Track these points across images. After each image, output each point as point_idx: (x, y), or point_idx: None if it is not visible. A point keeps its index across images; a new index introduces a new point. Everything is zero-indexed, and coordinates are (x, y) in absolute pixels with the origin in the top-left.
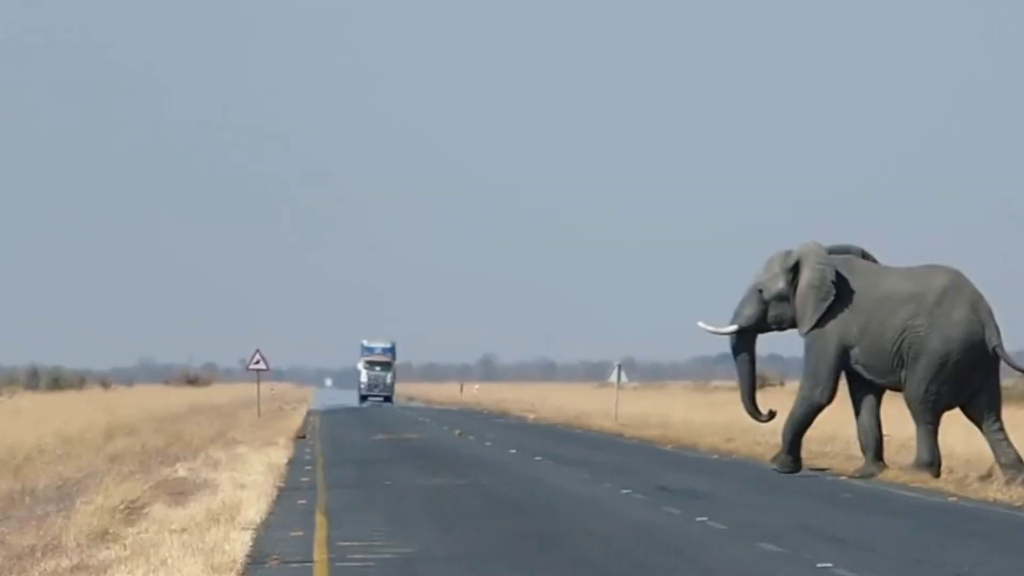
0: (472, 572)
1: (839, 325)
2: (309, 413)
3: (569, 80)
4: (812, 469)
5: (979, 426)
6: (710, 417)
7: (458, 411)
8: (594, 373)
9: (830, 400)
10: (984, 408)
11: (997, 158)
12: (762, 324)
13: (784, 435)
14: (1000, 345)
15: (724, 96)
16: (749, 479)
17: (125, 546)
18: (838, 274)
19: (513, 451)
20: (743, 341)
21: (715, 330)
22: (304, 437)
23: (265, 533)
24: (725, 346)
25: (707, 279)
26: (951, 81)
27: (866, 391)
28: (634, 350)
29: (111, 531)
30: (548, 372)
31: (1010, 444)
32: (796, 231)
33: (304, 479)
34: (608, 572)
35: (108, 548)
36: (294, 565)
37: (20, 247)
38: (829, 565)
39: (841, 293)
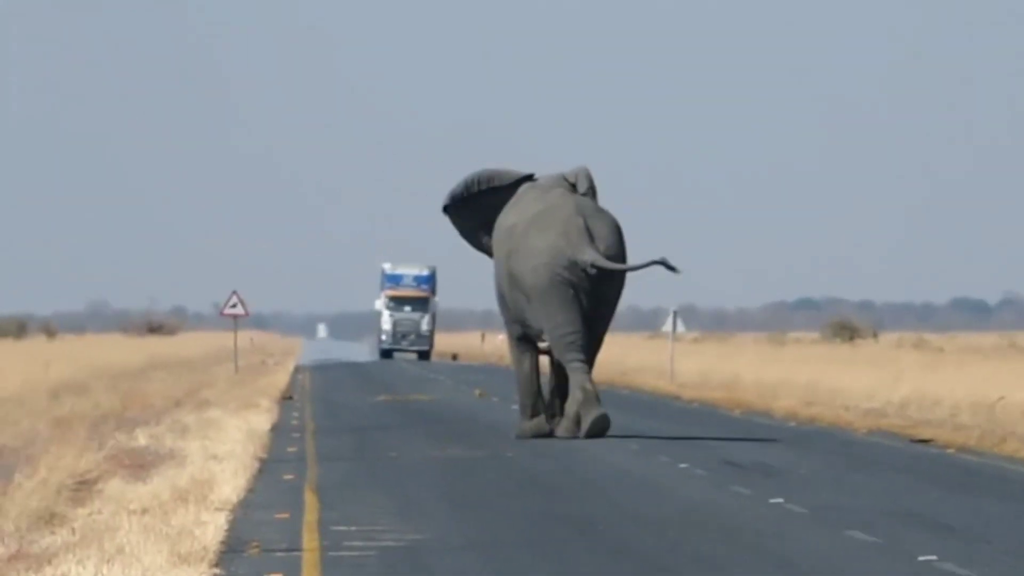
0: (492, 564)
1: (497, 264)
2: (297, 369)
3: None
4: (913, 440)
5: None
6: (786, 376)
7: (480, 367)
8: (645, 321)
9: (523, 344)
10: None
11: None
12: None
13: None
14: (595, 262)
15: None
16: (835, 452)
17: (74, 530)
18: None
19: None
20: None
21: None
22: (291, 398)
23: (243, 515)
24: (805, 290)
25: (778, 214)
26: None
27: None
28: (694, 295)
29: (57, 512)
30: None
31: (588, 379)
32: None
33: (291, 449)
34: (661, 566)
35: (53, 533)
36: (279, 554)
37: None
38: (933, 558)
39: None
